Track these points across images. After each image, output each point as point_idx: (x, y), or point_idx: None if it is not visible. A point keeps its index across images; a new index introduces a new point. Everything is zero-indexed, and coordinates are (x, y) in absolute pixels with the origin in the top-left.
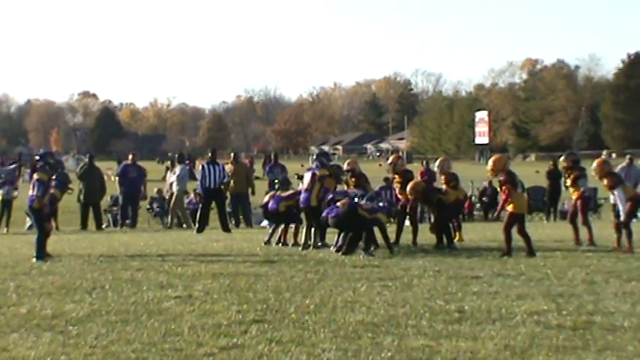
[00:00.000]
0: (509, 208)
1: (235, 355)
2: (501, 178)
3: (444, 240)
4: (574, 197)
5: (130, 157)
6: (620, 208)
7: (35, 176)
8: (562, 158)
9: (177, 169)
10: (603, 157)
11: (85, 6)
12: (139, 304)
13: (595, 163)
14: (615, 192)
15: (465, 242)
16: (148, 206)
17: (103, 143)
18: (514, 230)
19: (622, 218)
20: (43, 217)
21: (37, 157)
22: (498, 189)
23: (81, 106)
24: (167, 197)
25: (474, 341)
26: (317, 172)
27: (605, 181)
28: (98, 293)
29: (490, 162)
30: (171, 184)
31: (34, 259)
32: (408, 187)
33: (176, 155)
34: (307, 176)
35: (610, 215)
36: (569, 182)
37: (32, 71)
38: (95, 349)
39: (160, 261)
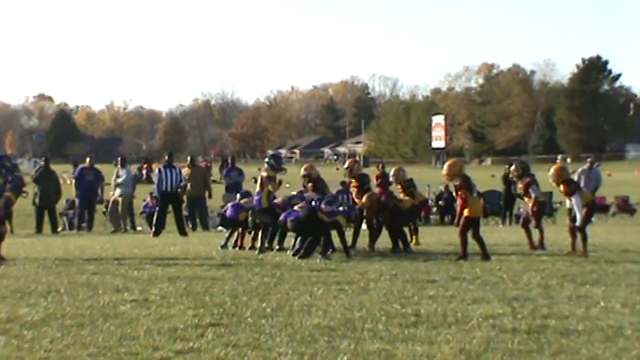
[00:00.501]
0: (465, 212)
1: (191, 359)
2: (457, 182)
3: (400, 244)
4: (529, 204)
5: (88, 160)
6: (577, 213)
7: None
8: (512, 168)
9: (122, 173)
10: (559, 162)
11: (39, 8)
12: (94, 308)
13: (552, 170)
14: (572, 199)
15: (421, 246)
16: (104, 209)
17: (58, 146)
18: (469, 234)
19: (578, 223)
20: None
21: None
22: (454, 193)
23: (36, 109)
24: (110, 201)
25: (429, 345)
26: (264, 173)
27: (562, 188)
28: (53, 297)
29: (445, 166)
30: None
31: None
32: (364, 197)
33: (119, 160)
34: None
35: (565, 219)
36: (521, 191)
37: None
38: (50, 353)
39: (116, 264)
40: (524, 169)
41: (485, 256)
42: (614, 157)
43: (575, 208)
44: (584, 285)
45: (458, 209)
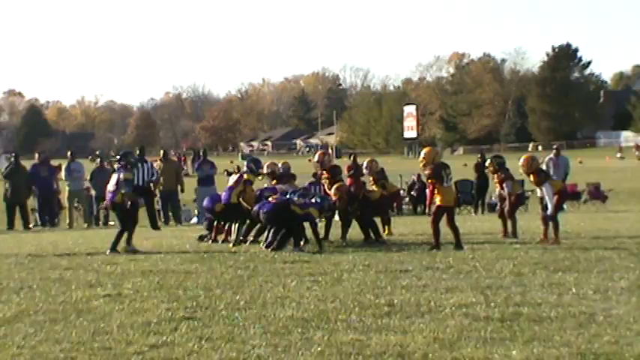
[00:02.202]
0: (437, 201)
1: (165, 353)
2: (427, 171)
3: (372, 235)
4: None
5: (37, 156)
6: (548, 202)
7: None
8: (488, 162)
9: (74, 167)
10: (530, 153)
11: (8, 3)
12: (67, 304)
13: (522, 160)
14: (543, 188)
15: (394, 236)
16: (76, 204)
17: (30, 142)
18: (443, 223)
19: (550, 212)
20: None
21: None
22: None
23: (7, 105)
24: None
25: (403, 335)
26: (245, 176)
27: (532, 178)
28: (26, 293)
29: (422, 153)
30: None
31: None
32: (333, 189)
33: (69, 153)
34: (235, 177)
35: (536, 207)
36: (497, 185)
37: None
38: (23, 349)
39: (88, 259)
40: (499, 164)
41: (458, 245)
42: (585, 144)
43: (546, 197)
44: (557, 272)
45: (428, 198)
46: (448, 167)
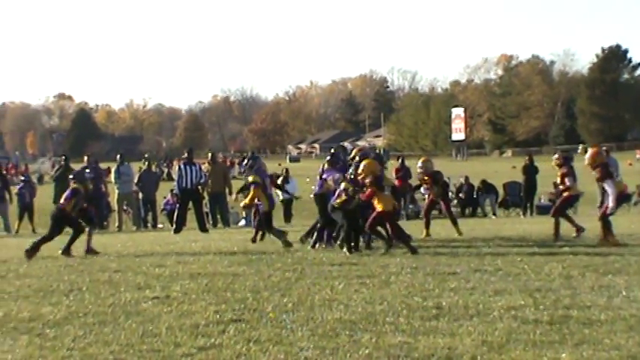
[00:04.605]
0: (378, 207)
1: (213, 355)
2: (368, 180)
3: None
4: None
5: (85, 158)
6: (610, 197)
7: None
8: (556, 156)
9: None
10: (595, 147)
11: (59, 8)
12: (116, 306)
13: (589, 152)
14: (605, 184)
15: (441, 238)
16: (125, 207)
17: (79, 145)
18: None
19: (610, 210)
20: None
21: None
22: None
23: (57, 108)
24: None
25: (451, 337)
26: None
27: (597, 172)
28: (76, 295)
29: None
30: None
31: None
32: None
33: (118, 156)
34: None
35: (586, 209)
36: (558, 179)
37: (7, 74)
38: (73, 351)
39: (137, 262)
40: (565, 159)
41: (388, 243)
42: (635, 146)
43: (609, 191)
44: (607, 275)
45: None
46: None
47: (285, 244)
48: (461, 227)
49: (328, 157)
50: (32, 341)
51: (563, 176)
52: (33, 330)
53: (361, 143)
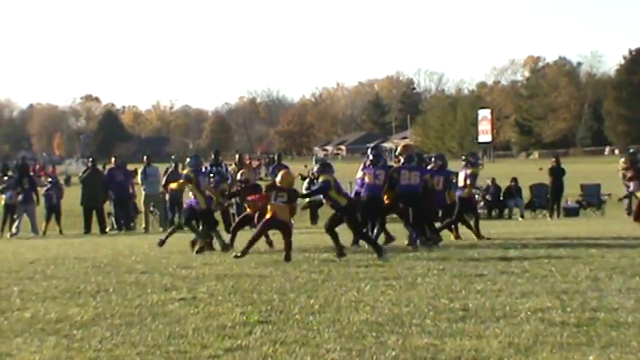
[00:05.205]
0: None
1: (240, 357)
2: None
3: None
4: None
5: (113, 160)
6: None
7: None
8: (622, 160)
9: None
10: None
11: (86, 9)
12: (143, 307)
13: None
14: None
15: (469, 240)
16: (152, 208)
17: (106, 147)
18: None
19: None
20: None
21: None
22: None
23: (84, 110)
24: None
25: (478, 339)
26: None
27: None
28: (102, 297)
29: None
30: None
31: None
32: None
33: (145, 157)
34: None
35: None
36: (628, 181)
37: (34, 75)
38: (100, 352)
39: (164, 263)
40: (632, 162)
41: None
42: None
43: None
44: (634, 277)
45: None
46: None
47: (194, 246)
48: (488, 229)
49: (370, 157)
50: (59, 342)
51: (630, 179)
52: (60, 331)
53: (388, 145)
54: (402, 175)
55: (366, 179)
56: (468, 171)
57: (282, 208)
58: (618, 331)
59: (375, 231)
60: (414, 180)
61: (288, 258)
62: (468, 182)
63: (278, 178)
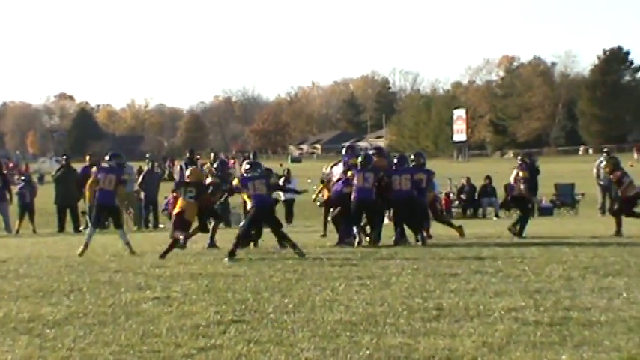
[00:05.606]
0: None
1: (213, 356)
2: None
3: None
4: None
5: (88, 158)
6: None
7: None
8: (604, 163)
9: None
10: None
11: (60, 7)
12: (116, 306)
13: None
14: None
15: (442, 239)
16: (126, 207)
17: (80, 145)
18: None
19: None
20: None
21: None
22: None
23: (58, 108)
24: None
25: (451, 338)
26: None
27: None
28: (76, 296)
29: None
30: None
31: None
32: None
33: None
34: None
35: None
36: (615, 185)
37: (8, 73)
38: (73, 351)
39: (138, 262)
40: (614, 165)
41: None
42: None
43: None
44: (607, 276)
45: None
46: None
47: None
48: (463, 228)
49: (360, 159)
50: (32, 341)
51: (618, 181)
52: (33, 330)
53: (363, 144)
54: (394, 181)
55: (355, 182)
56: (521, 173)
57: (190, 205)
58: (591, 330)
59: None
60: (405, 185)
61: (163, 255)
62: (522, 187)
63: (187, 173)
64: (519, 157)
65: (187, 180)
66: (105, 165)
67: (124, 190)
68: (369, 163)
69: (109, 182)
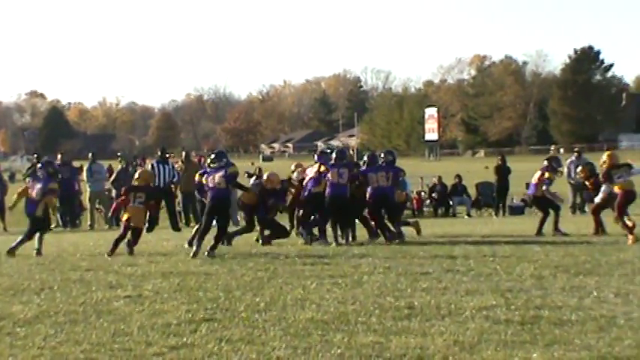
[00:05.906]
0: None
1: (185, 355)
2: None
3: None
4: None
5: (59, 157)
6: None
7: None
8: (580, 169)
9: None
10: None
11: (30, 4)
12: (88, 305)
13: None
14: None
15: (414, 238)
16: (97, 206)
17: (51, 143)
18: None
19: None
20: None
21: None
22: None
23: (29, 106)
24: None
25: (423, 337)
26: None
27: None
28: (47, 294)
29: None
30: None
31: None
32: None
33: (90, 154)
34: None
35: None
36: (591, 189)
37: None
38: (43, 350)
39: (109, 261)
40: (591, 171)
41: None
42: (607, 147)
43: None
44: (578, 275)
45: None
46: None
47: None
48: (433, 228)
49: (334, 155)
50: (2, 340)
51: (596, 186)
52: (3, 329)
53: (335, 143)
54: (370, 178)
55: (329, 177)
56: (546, 174)
57: (137, 211)
58: (562, 329)
59: (346, 232)
60: (382, 181)
61: (110, 253)
62: (544, 188)
63: (136, 176)
64: (546, 160)
65: (135, 183)
66: (38, 174)
67: (53, 201)
68: (343, 158)
69: (37, 192)
